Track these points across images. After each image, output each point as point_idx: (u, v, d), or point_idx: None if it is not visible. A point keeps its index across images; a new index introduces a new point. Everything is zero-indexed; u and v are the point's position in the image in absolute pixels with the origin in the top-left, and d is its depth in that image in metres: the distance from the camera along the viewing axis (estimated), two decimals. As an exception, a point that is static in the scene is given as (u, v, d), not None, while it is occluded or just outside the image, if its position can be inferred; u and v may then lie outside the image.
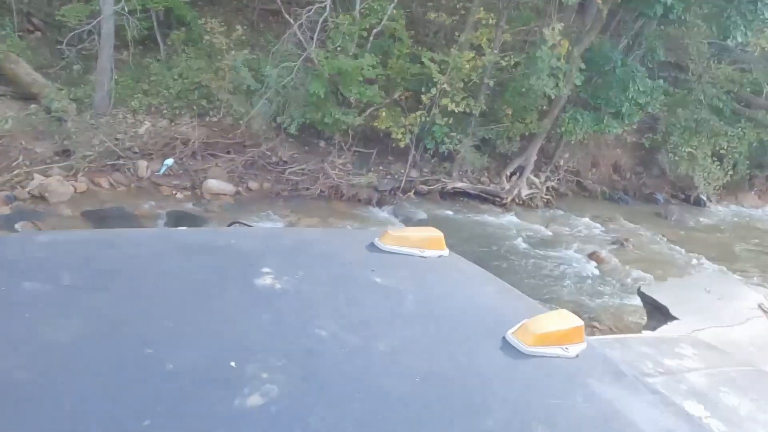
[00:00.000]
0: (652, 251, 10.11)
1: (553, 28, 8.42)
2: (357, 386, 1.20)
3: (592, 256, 9.22)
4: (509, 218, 10.61)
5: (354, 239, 1.94)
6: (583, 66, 9.62)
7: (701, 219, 13.45)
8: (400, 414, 1.16)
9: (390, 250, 1.76)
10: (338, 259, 1.75)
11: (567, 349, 1.40)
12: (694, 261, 9.92)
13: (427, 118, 9.67)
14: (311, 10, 8.12)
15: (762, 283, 8.74)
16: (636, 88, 10.06)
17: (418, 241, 1.80)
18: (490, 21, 9.78)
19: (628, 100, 10.22)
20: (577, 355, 1.41)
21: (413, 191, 10.50)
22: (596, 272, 8.70)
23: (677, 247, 10.55)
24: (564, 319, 1.48)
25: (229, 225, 2.41)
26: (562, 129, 10.48)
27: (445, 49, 9.75)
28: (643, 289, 5.02)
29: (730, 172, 14.03)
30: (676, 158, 13.50)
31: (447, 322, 1.49)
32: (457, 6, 10.58)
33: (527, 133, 10.79)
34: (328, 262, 1.71)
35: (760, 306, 5.20)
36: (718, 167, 13.40)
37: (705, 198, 14.85)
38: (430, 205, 10.48)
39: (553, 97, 9.25)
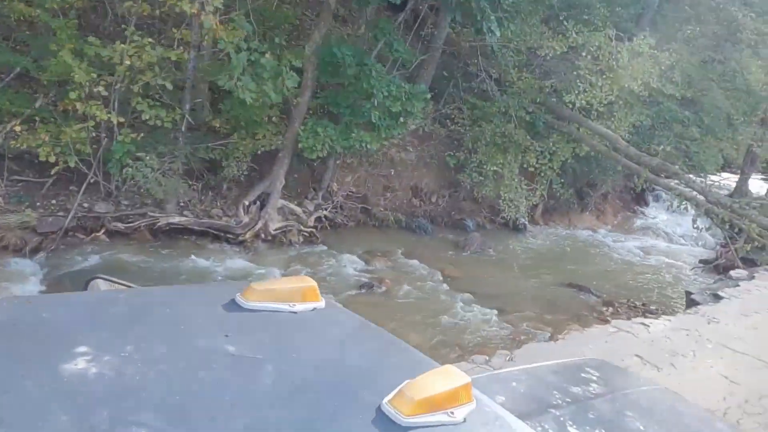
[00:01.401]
0: (405, 294, 8.07)
1: (200, 3, 6.25)
2: None
3: (311, 308, 7.00)
4: (236, 261, 8.26)
5: (210, 297, 1.63)
6: (296, 64, 7.52)
7: (506, 248, 11.76)
8: None
9: (253, 307, 1.50)
10: (184, 325, 1.44)
11: (453, 413, 1.22)
12: (459, 304, 7.98)
13: (92, 133, 7.22)
14: None
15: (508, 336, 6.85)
16: (382, 93, 8.11)
17: (287, 293, 1.56)
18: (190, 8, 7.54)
19: (377, 109, 8.26)
20: (465, 419, 1.23)
21: (103, 230, 7.94)
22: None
23: (448, 287, 8.61)
24: (448, 378, 1.29)
25: (88, 281, 1.86)
26: (301, 145, 8.34)
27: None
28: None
29: (544, 192, 12.60)
30: (481, 178, 11.86)
31: (313, 397, 1.24)
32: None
33: (259, 151, 8.57)
34: (170, 330, 1.41)
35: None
36: (526, 187, 11.85)
37: (525, 222, 13.36)
38: (129, 247, 7.95)
39: (249, 102, 7.06)
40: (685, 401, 2.65)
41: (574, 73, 11.29)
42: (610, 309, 8.77)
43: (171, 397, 1.15)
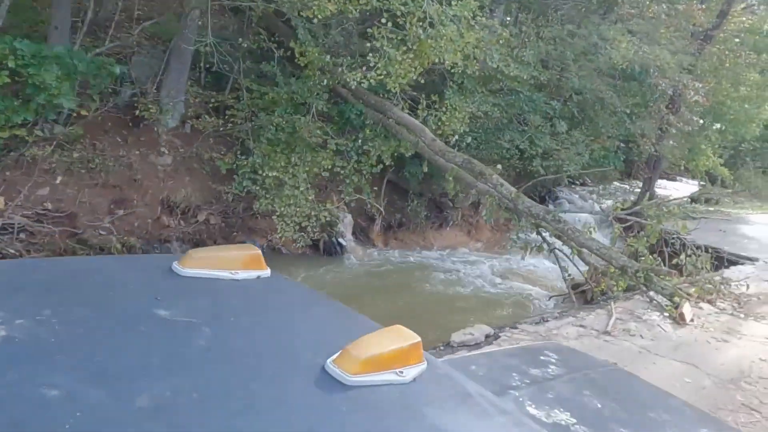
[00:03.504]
0: None
1: None
2: None
3: None
4: None
5: (144, 266, 1.58)
6: None
7: (303, 280, 8.78)
8: None
9: (191, 274, 1.40)
10: (111, 290, 1.34)
11: (402, 372, 1.16)
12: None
13: None
14: None
15: None
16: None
17: (229, 260, 1.46)
18: None
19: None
20: (415, 379, 1.18)
21: None
22: None
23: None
24: (397, 337, 1.22)
25: None
26: None
27: None
28: None
29: (350, 202, 9.73)
30: (256, 187, 8.92)
31: (252, 360, 1.16)
32: None
33: None
34: (94, 295, 1.30)
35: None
36: (310, 198, 8.88)
37: (342, 243, 10.45)
38: None
39: None
40: (639, 379, 2.71)
41: (368, 45, 8.49)
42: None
43: (89, 359, 1.03)
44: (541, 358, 2.54)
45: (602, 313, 5.37)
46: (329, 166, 9.08)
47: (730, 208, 15.64)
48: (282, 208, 8.57)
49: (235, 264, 1.44)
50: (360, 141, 9.50)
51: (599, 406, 2.17)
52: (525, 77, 10.12)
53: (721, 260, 7.11)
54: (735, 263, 8.72)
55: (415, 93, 10.20)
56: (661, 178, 24.37)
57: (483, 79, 10.48)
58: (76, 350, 1.04)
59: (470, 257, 11.94)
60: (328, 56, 8.46)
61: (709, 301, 6.00)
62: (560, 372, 2.41)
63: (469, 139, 10.55)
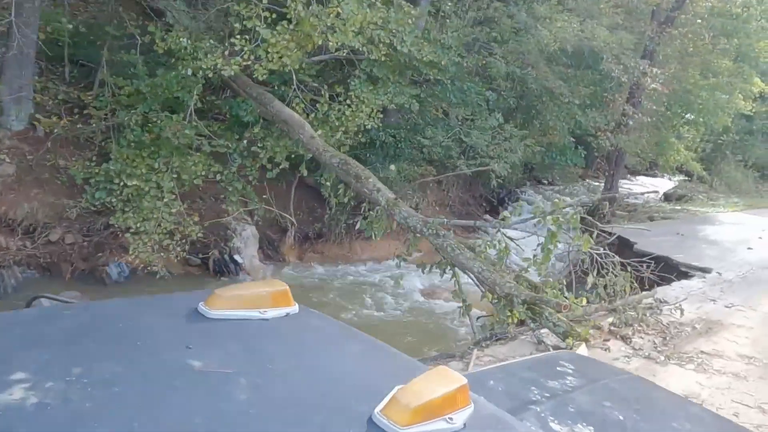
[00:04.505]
0: None
1: None
2: None
3: None
4: None
5: (170, 308, 1.49)
6: None
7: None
8: None
9: (219, 316, 1.35)
10: (140, 340, 1.27)
11: (452, 419, 1.10)
12: None
13: None
14: None
15: None
16: None
17: (256, 299, 1.42)
18: None
19: None
20: (465, 425, 1.12)
21: None
22: None
23: None
24: (444, 380, 1.17)
25: (31, 301, 1.68)
26: None
27: None
28: None
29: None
30: (112, 199, 7.49)
31: (295, 412, 1.09)
32: None
33: None
34: (124, 347, 1.24)
35: None
36: (174, 211, 7.41)
37: (240, 260, 9.00)
38: None
39: None
40: (659, 387, 2.73)
41: (237, 26, 7.08)
42: None
43: (128, 426, 0.99)
44: (558, 369, 2.47)
45: (460, 365, 3.97)
46: (203, 172, 7.65)
47: (700, 206, 14.25)
48: (137, 224, 7.13)
49: (263, 302, 1.38)
50: (245, 141, 8.08)
51: (621, 417, 2.11)
52: (443, 63, 8.71)
53: (642, 281, 5.69)
54: (684, 274, 7.34)
55: (315, 84, 8.82)
56: (642, 174, 23.03)
57: (398, 68, 9.07)
58: (112, 415, 0.98)
59: (397, 270, 10.50)
60: (185, 39, 7.01)
61: (624, 338, 4.59)
62: (579, 383, 2.34)
63: (384, 137, 9.14)
